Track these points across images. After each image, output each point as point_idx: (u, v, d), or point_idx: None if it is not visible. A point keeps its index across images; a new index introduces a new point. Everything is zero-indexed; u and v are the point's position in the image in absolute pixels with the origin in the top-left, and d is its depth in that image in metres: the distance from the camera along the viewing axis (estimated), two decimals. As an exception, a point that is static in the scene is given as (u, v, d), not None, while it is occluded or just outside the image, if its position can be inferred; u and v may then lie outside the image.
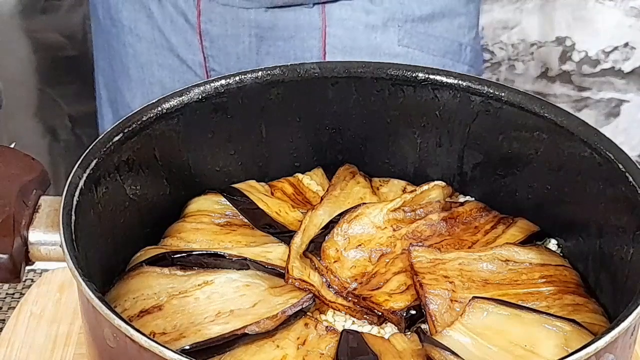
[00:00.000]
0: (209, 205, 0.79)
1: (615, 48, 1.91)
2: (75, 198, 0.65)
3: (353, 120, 0.82)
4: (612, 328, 0.57)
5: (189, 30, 1.16)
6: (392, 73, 0.80)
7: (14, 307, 0.90)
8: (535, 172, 0.77)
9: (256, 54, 1.14)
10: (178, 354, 0.55)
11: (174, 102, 0.75)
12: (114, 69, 1.25)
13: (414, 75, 0.80)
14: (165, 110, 0.75)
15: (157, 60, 1.20)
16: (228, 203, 0.79)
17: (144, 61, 1.20)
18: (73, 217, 0.64)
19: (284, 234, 0.76)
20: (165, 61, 1.19)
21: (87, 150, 0.69)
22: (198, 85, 0.77)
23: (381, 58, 1.14)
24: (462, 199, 0.83)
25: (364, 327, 0.70)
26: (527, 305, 0.68)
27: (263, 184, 0.83)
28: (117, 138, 0.71)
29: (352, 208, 0.77)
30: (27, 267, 0.67)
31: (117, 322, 0.56)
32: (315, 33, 1.14)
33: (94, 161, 0.68)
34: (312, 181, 0.83)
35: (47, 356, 0.84)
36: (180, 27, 1.16)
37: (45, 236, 0.66)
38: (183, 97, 0.76)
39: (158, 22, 1.18)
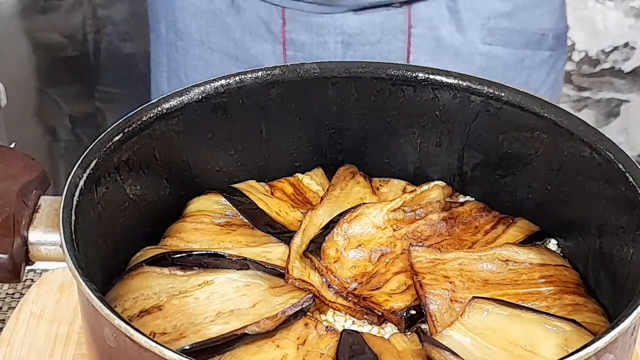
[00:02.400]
0: (209, 205, 0.79)
1: (615, 48, 1.92)
2: (75, 198, 0.65)
3: (353, 120, 0.82)
4: (612, 328, 0.57)
5: (271, 40, 1.15)
6: (392, 73, 0.80)
7: (14, 307, 0.90)
8: (535, 172, 0.77)
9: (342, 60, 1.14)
10: (178, 354, 0.55)
11: (174, 102, 0.75)
12: (182, 82, 1.23)
13: (414, 75, 0.80)
14: (165, 110, 0.75)
15: (233, 71, 1.18)
16: (228, 203, 0.79)
17: (216, 72, 1.18)
18: (73, 217, 0.64)
19: (284, 234, 0.76)
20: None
21: (87, 150, 0.69)
22: (198, 85, 0.77)
23: (464, 57, 1.15)
24: (462, 199, 0.83)
25: (364, 327, 0.70)
26: (527, 305, 0.68)
27: (263, 184, 0.83)
28: (117, 138, 0.71)
29: (352, 208, 0.77)
30: (27, 267, 0.67)
31: (117, 322, 0.56)
32: (400, 35, 1.14)
33: (94, 161, 0.68)
34: (312, 181, 0.83)
35: (47, 356, 0.84)
36: (261, 36, 1.15)
37: (45, 236, 0.66)
38: (183, 97, 0.76)
39: (235, 34, 1.16)
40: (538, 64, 1.22)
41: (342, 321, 0.70)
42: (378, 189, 0.83)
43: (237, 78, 0.78)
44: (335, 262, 0.74)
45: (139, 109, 0.74)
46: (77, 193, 0.65)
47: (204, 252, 0.73)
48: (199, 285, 0.70)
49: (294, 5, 1.13)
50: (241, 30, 1.16)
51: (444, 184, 0.82)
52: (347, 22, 1.13)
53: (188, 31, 1.20)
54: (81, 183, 0.66)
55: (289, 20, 1.14)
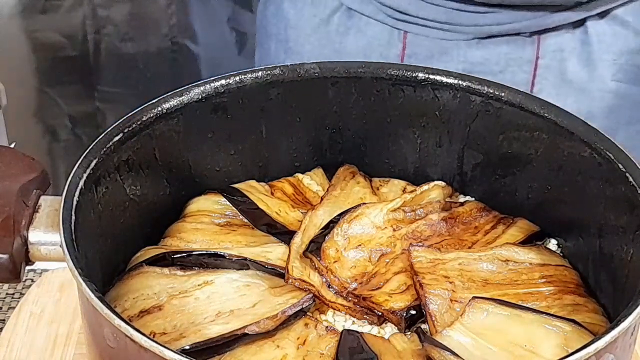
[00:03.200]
0: (209, 205, 0.79)
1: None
2: (75, 198, 0.65)
3: (353, 120, 0.82)
4: (612, 328, 0.57)
5: None
6: (392, 73, 0.80)
7: (14, 307, 0.90)
8: (535, 172, 0.77)
9: None
10: (178, 354, 0.55)
11: (174, 102, 0.75)
12: None
13: (414, 75, 0.80)
14: (165, 110, 0.75)
15: None
16: (228, 203, 0.79)
17: None
18: (73, 217, 0.64)
19: (284, 234, 0.76)
20: None
21: (87, 150, 0.69)
22: (198, 85, 0.77)
23: (592, 93, 1.10)
24: (462, 199, 0.83)
25: (364, 327, 0.70)
26: (527, 305, 0.68)
27: (263, 184, 0.82)
28: (117, 138, 0.71)
29: (352, 208, 0.77)
30: (27, 267, 0.67)
31: (117, 322, 0.56)
32: (526, 66, 1.09)
33: (94, 161, 0.68)
34: (312, 181, 0.83)
35: (47, 356, 0.84)
36: (376, 59, 1.11)
37: (45, 236, 0.66)
38: (183, 97, 0.76)
39: (350, 57, 1.11)
40: None
41: (342, 321, 0.70)
42: (378, 189, 0.83)
43: (237, 78, 0.78)
44: (335, 262, 0.74)
45: (139, 109, 0.74)
46: (77, 193, 0.65)
47: (204, 252, 0.73)
48: (199, 285, 0.70)
49: (418, 30, 1.09)
50: (355, 53, 1.13)
51: (444, 184, 0.82)
52: (472, 50, 1.09)
53: (300, 51, 1.16)
54: (81, 183, 0.66)
55: (410, 45, 1.10)
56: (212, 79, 0.77)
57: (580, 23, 1.09)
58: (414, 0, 1.08)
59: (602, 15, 1.09)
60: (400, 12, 1.10)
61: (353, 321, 0.70)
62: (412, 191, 0.80)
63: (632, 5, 1.10)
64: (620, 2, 1.09)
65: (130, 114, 0.73)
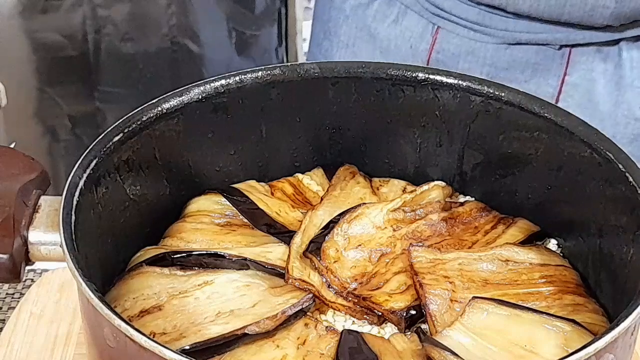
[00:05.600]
0: (209, 205, 0.79)
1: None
2: (75, 198, 0.65)
3: (353, 120, 0.82)
4: (612, 328, 0.57)
5: (412, 56, 1.11)
6: (392, 73, 0.80)
7: (14, 307, 0.90)
8: (535, 172, 0.77)
9: None
10: (178, 354, 0.55)
11: (174, 102, 0.75)
12: None
13: (414, 75, 0.80)
14: (165, 110, 0.75)
15: None
16: (228, 203, 0.79)
17: None
18: (73, 217, 0.64)
19: (284, 234, 0.76)
20: None
21: (87, 150, 0.69)
22: (198, 85, 0.77)
23: (617, 118, 1.08)
24: (462, 199, 0.83)
25: (364, 327, 0.70)
26: (527, 305, 0.68)
27: (263, 184, 0.83)
28: (117, 138, 0.71)
29: (352, 208, 0.77)
30: (27, 267, 0.67)
31: (117, 322, 0.56)
32: (552, 80, 1.08)
33: (94, 161, 0.68)
34: (312, 181, 0.83)
35: (47, 356, 0.84)
36: (404, 53, 1.12)
37: (45, 236, 0.66)
38: (183, 97, 0.76)
39: (382, 44, 1.13)
40: None
41: (342, 321, 0.70)
42: (378, 189, 0.83)
43: (237, 78, 0.78)
44: (335, 262, 0.74)
45: (139, 109, 0.74)
46: (77, 193, 0.65)
47: (204, 252, 0.73)
48: (199, 285, 0.70)
49: (450, 27, 1.09)
50: (387, 41, 1.13)
51: (444, 184, 0.82)
52: (499, 54, 1.08)
53: (337, 32, 1.17)
54: (81, 183, 0.66)
55: (440, 41, 1.10)
56: (212, 79, 0.77)
57: (615, 43, 1.07)
58: None
59: (638, 38, 1.07)
60: (436, 6, 1.10)
61: (353, 321, 0.70)
62: (412, 191, 0.80)
63: None
64: None
65: (130, 114, 0.73)
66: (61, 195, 0.65)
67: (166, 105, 0.75)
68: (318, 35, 1.21)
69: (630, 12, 1.02)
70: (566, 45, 1.07)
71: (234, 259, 0.72)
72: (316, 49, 1.23)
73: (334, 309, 0.71)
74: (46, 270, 0.94)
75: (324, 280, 0.72)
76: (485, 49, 1.09)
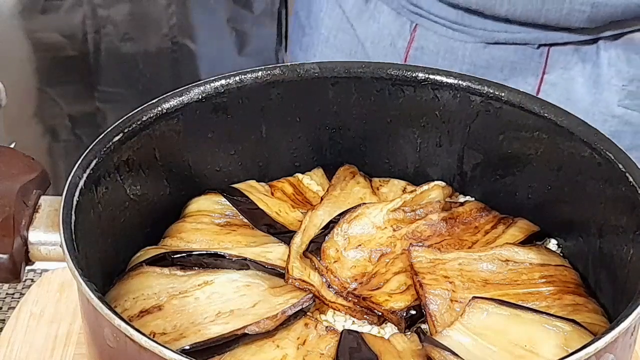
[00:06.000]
0: (209, 205, 0.79)
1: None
2: (75, 198, 0.65)
3: (353, 120, 0.82)
4: (612, 328, 0.57)
5: (391, 53, 1.12)
6: (392, 73, 0.80)
7: (14, 307, 0.90)
8: (535, 172, 0.77)
9: None
10: (178, 354, 0.55)
11: (174, 102, 0.75)
12: None
13: (414, 75, 0.80)
14: (165, 110, 0.75)
15: None
16: (228, 203, 0.79)
17: None
18: (73, 217, 0.64)
19: (284, 234, 0.76)
20: None
21: (87, 150, 0.69)
22: (198, 85, 0.77)
23: (595, 116, 1.08)
24: (462, 199, 0.83)
25: (364, 327, 0.70)
26: (527, 305, 0.68)
27: (263, 184, 0.83)
28: (117, 138, 0.71)
29: (352, 208, 0.77)
30: (27, 267, 0.67)
31: (117, 322, 0.56)
32: (531, 79, 1.08)
33: (94, 161, 0.68)
34: (312, 181, 0.83)
35: (47, 356, 0.84)
36: (382, 49, 1.12)
37: (45, 236, 0.66)
38: (183, 97, 0.76)
39: (361, 39, 1.13)
40: None
41: (342, 321, 0.70)
42: (378, 189, 0.83)
43: (237, 78, 0.78)
44: (335, 262, 0.74)
45: (139, 109, 0.74)
46: (77, 193, 0.66)
47: (204, 252, 0.73)
48: (199, 285, 0.70)
49: (428, 25, 1.09)
50: (364, 38, 1.13)
51: (444, 184, 0.82)
52: (477, 52, 1.08)
53: (317, 26, 1.17)
54: (81, 183, 0.66)
55: (418, 38, 1.10)
56: (212, 79, 0.77)
57: (593, 42, 1.07)
58: None
59: (615, 37, 1.07)
60: (413, 4, 1.10)
61: (353, 321, 0.70)
62: (412, 191, 0.80)
63: None
64: (632, 28, 1.07)
65: (130, 114, 0.73)
66: (61, 195, 0.65)
67: (166, 105, 0.75)
68: (297, 33, 1.21)
69: (606, 16, 1.03)
70: (544, 45, 1.07)
71: (234, 259, 0.72)
72: (296, 46, 1.22)
73: (334, 309, 0.71)
74: (46, 270, 0.93)
75: (324, 280, 0.72)
76: (464, 48, 1.09)
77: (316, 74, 0.80)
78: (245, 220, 0.78)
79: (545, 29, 1.06)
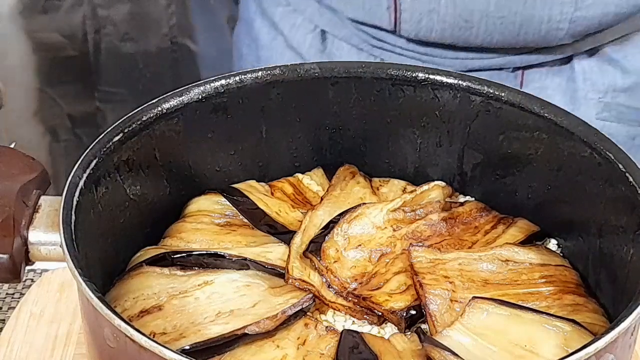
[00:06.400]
0: (209, 205, 0.79)
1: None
2: (75, 198, 0.65)
3: (353, 120, 0.82)
4: (612, 328, 0.57)
5: None
6: (392, 73, 0.80)
7: (14, 307, 0.90)
8: (535, 172, 0.77)
9: None
10: (178, 354, 0.55)
11: (174, 102, 0.75)
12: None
13: (414, 75, 0.80)
14: (165, 110, 0.75)
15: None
16: (228, 203, 0.79)
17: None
18: (73, 217, 0.64)
19: (284, 234, 0.76)
20: None
21: (87, 150, 0.69)
22: (198, 85, 0.77)
23: None
24: (462, 199, 0.83)
25: (364, 327, 0.70)
26: (527, 305, 0.68)
27: (263, 184, 0.83)
28: (117, 138, 0.71)
29: (352, 208, 0.77)
30: (27, 267, 0.67)
31: (117, 322, 0.56)
32: None
33: (94, 161, 0.68)
34: (312, 181, 0.83)
35: (47, 356, 0.84)
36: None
37: (45, 236, 0.66)
38: (183, 97, 0.76)
39: (328, 46, 1.12)
40: None
41: (342, 321, 0.70)
42: (378, 189, 0.83)
43: (237, 78, 0.78)
44: (335, 262, 0.74)
45: (139, 109, 0.74)
46: (77, 193, 0.66)
47: (204, 252, 0.73)
48: (199, 285, 0.70)
49: (395, 58, 1.07)
50: (331, 44, 1.12)
51: (444, 184, 0.82)
52: None
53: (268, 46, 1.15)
54: (81, 183, 0.66)
55: None
56: (212, 79, 0.77)
57: (567, 60, 1.08)
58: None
59: (590, 52, 1.08)
60: (377, 38, 1.08)
61: (353, 321, 0.70)
62: (412, 191, 0.80)
63: (621, 43, 1.08)
64: (606, 40, 1.07)
65: (130, 114, 0.73)
66: (61, 195, 0.65)
67: (166, 105, 0.75)
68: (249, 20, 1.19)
69: (584, 29, 1.03)
70: (520, 68, 1.07)
71: (234, 259, 0.72)
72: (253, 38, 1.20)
73: (334, 309, 0.71)
74: (46, 270, 0.93)
75: (324, 280, 0.72)
76: None
77: (316, 74, 0.80)
78: (245, 220, 0.78)
79: (521, 51, 1.06)
